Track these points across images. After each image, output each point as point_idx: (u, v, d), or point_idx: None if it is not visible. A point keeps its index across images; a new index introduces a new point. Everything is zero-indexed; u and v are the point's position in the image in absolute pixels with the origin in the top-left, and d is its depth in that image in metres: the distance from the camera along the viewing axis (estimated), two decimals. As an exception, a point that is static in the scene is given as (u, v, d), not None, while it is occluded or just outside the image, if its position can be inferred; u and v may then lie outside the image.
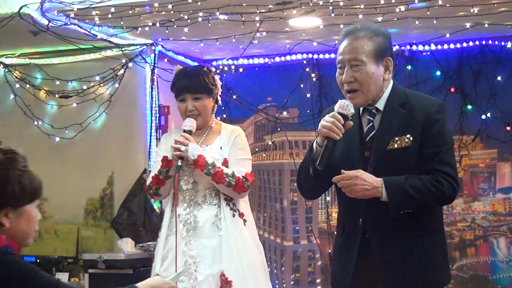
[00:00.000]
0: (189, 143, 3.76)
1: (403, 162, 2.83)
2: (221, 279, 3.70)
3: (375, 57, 2.86)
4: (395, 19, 5.12)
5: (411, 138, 2.83)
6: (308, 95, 6.33)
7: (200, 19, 5.11)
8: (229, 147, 3.90)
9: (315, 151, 2.86)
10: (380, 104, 2.91)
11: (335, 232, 3.12)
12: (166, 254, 3.83)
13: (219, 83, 4.02)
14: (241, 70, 6.43)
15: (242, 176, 3.80)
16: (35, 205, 2.38)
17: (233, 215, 3.84)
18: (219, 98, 4.04)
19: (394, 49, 5.95)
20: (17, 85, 6.45)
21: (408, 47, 6.03)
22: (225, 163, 3.86)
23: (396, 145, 2.83)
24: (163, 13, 5.02)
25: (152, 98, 6.06)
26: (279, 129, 6.42)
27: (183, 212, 3.84)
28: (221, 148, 3.90)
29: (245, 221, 3.89)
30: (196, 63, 6.43)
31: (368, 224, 2.86)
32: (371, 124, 2.91)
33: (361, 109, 2.95)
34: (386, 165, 2.82)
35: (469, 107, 5.92)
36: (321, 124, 2.82)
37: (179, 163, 3.76)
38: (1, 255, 2.21)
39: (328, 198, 6.33)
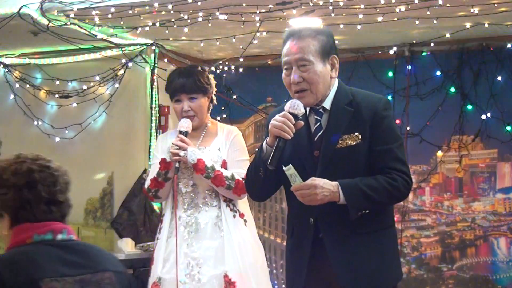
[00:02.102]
0: (188, 146, 3.74)
1: (353, 160, 2.84)
2: (225, 280, 3.69)
3: (322, 56, 2.87)
4: (395, 19, 5.12)
5: (360, 136, 2.84)
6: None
7: (200, 19, 5.11)
8: (227, 148, 3.88)
9: (265, 151, 2.86)
10: (327, 103, 2.92)
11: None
12: (168, 256, 3.81)
13: (213, 82, 4.02)
14: (241, 70, 6.42)
15: (242, 178, 3.78)
16: None
17: (234, 216, 3.84)
18: (214, 98, 4.02)
19: (394, 49, 6.02)
20: (17, 85, 6.45)
21: (408, 47, 6.02)
22: (224, 164, 3.85)
23: (345, 143, 2.84)
24: (163, 13, 5.02)
25: (152, 98, 6.05)
26: (279, 129, 6.42)
27: (183, 214, 3.82)
28: (219, 149, 3.89)
29: (245, 221, 3.89)
30: (195, 64, 6.43)
31: (320, 223, 2.85)
32: (318, 123, 2.92)
33: (307, 109, 2.95)
34: (336, 164, 2.83)
35: (469, 107, 5.92)
36: (271, 124, 2.82)
37: (177, 165, 3.74)
38: None
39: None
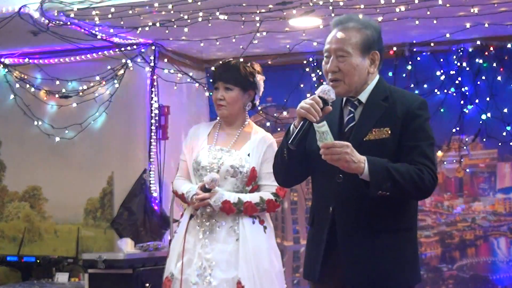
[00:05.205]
0: (209, 201, 3.70)
1: (379, 154, 2.80)
2: (238, 287, 3.65)
3: (362, 50, 2.88)
4: (395, 19, 5.12)
5: (389, 131, 2.83)
6: (308, 95, 6.28)
7: (200, 19, 5.11)
8: (258, 157, 3.81)
9: (291, 133, 2.87)
10: (363, 97, 2.92)
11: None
12: (184, 254, 3.78)
13: (260, 83, 3.93)
14: (241, 70, 6.42)
15: (272, 193, 3.76)
16: None
17: (253, 222, 3.78)
18: (256, 98, 3.95)
19: (394, 49, 6.02)
20: (17, 85, 6.45)
21: (408, 47, 6.02)
22: (253, 172, 3.79)
23: (373, 136, 2.84)
24: (163, 13, 5.03)
25: (152, 98, 6.05)
26: (279, 129, 6.41)
27: (200, 213, 3.79)
28: (248, 155, 3.81)
29: (265, 227, 3.83)
30: (196, 63, 6.44)
31: (337, 213, 2.83)
32: (351, 115, 2.92)
33: (344, 100, 2.96)
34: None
35: (469, 107, 5.92)
36: (299, 105, 2.84)
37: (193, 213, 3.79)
38: None
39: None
